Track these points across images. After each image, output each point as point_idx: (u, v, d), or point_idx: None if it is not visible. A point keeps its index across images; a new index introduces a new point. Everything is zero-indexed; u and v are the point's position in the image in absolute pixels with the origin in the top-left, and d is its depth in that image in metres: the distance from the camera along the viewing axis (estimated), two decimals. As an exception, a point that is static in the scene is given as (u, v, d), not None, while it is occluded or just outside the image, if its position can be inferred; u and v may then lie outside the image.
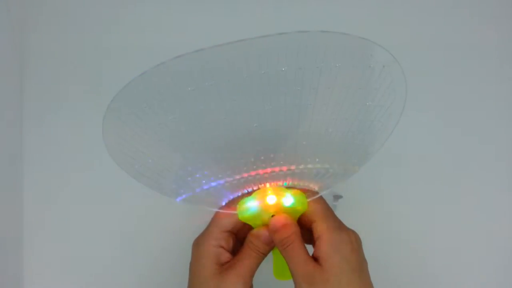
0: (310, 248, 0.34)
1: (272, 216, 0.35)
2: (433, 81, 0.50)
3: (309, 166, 0.36)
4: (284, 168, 0.36)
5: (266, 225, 0.35)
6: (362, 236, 0.35)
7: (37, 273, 0.45)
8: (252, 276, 0.35)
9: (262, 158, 0.35)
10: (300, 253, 0.33)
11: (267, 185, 0.36)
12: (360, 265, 0.32)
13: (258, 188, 0.36)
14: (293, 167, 0.36)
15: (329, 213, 0.34)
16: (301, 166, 0.36)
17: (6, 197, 0.44)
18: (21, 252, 0.45)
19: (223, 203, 0.37)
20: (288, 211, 0.35)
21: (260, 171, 0.36)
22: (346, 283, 0.31)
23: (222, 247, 0.35)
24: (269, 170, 0.36)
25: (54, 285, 0.45)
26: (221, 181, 0.37)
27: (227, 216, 0.35)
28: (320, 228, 0.33)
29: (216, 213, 0.36)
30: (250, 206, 0.35)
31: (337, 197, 0.45)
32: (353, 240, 0.33)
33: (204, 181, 0.36)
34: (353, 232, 0.34)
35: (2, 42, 0.45)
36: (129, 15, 0.48)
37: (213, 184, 0.37)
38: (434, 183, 0.48)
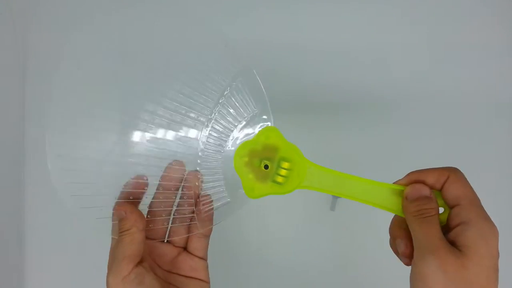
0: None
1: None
2: (441, 81, 0.50)
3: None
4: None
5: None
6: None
7: (37, 272, 0.45)
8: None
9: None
10: (438, 228, 0.30)
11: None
12: (498, 266, 0.29)
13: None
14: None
15: (478, 200, 0.31)
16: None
17: (7, 197, 0.44)
18: (23, 252, 0.45)
19: None
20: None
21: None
22: (486, 279, 0.28)
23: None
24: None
25: (54, 283, 0.45)
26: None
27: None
28: (467, 213, 0.30)
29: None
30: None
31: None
32: (498, 238, 0.29)
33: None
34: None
35: (4, 42, 0.45)
36: (130, 15, 0.48)
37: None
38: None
